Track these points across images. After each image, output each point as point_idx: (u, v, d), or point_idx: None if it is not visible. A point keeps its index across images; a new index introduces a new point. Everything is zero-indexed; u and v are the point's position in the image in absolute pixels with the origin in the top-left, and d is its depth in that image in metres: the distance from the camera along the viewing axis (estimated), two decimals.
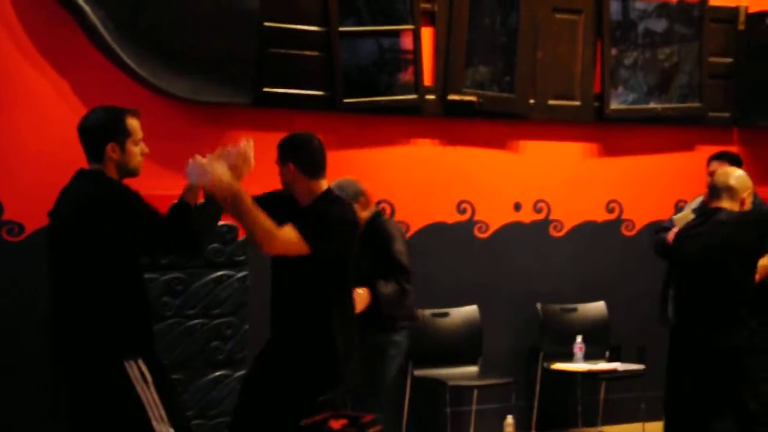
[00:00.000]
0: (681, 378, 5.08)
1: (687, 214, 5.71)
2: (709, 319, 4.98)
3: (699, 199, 6.17)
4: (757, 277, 5.10)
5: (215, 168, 3.98)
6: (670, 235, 5.61)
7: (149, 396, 3.88)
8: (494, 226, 7.11)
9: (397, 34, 6.65)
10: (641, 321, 7.11)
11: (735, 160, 6.16)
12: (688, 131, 7.66)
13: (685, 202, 7.40)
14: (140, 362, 3.89)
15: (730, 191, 5.06)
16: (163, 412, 3.88)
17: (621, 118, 7.40)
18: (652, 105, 7.48)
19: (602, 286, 7.32)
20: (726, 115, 7.76)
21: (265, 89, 6.23)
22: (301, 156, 4.33)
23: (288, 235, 4.11)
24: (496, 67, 7.04)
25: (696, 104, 7.59)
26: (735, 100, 7.75)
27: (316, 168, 4.35)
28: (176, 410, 4.01)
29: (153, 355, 4.03)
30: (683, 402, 5.11)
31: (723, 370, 4.96)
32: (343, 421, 4.27)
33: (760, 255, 5.11)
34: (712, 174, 5.85)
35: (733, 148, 7.62)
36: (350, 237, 4.34)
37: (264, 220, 4.07)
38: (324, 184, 4.38)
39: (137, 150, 4.07)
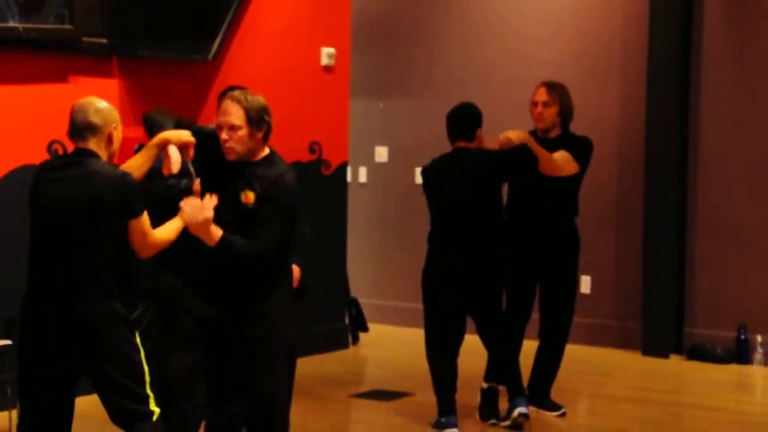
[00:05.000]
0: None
1: None
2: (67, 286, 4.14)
3: None
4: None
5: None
6: None
7: None
8: None
9: None
10: (14, 287, 5.84)
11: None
12: (60, 59, 6.60)
13: (59, 142, 6.41)
14: None
15: (94, 129, 4.16)
16: None
17: None
18: (12, 24, 6.25)
19: None
20: (104, 41, 6.77)
21: None
22: None
23: None
24: None
25: (67, 27, 6.48)
26: (113, 25, 6.78)
27: None
28: None
29: None
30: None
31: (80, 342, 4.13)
32: None
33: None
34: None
35: (114, 81, 6.82)
36: None
37: None
38: None
39: None
